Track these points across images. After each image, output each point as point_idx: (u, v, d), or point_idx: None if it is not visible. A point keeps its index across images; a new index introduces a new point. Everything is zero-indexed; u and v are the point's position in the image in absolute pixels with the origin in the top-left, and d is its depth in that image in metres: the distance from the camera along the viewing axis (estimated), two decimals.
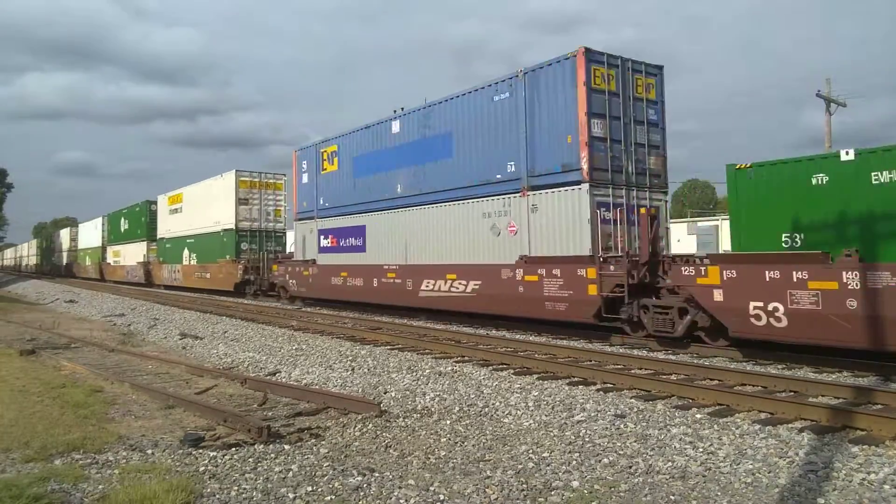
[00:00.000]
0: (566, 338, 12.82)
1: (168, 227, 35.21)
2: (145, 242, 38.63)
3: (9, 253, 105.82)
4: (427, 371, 9.62)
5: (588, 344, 12.08)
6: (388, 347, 12.04)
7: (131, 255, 41.10)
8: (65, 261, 61.26)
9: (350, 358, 11.02)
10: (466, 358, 10.67)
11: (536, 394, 7.94)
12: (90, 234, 52.35)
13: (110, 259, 46.09)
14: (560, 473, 5.17)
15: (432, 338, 13.01)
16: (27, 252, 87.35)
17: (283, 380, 9.66)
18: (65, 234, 63.95)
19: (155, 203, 38.07)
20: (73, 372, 10.00)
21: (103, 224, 48.40)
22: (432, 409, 7.48)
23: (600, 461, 5.47)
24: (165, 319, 18.78)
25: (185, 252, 32.39)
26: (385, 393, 8.43)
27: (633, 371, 9.11)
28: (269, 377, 9.74)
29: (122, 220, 43.94)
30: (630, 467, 5.31)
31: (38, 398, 7.80)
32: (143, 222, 39.37)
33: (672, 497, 4.66)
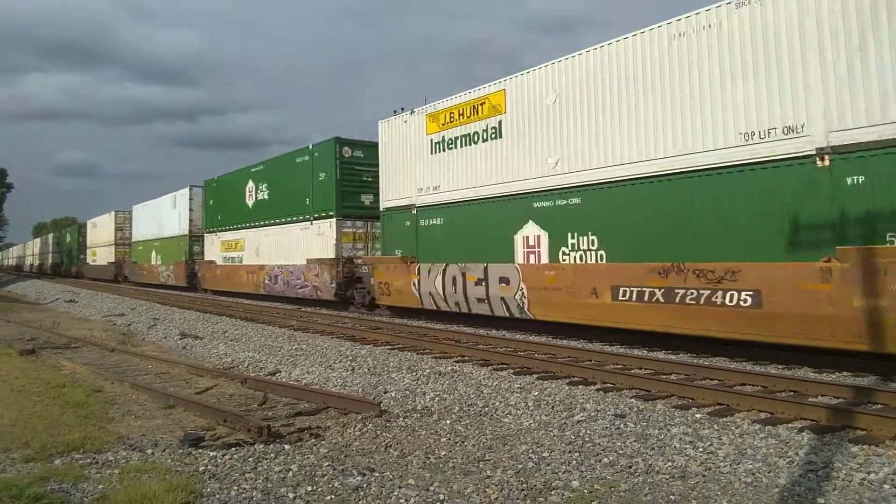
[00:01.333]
0: (566, 338, 12.81)
1: (433, 180, 15.49)
2: (332, 221, 19.52)
3: (15, 251, 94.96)
4: (427, 371, 9.62)
5: (588, 344, 12.08)
6: (388, 347, 12.04)
7: (286, 247, 21.93)
8: (106, 259, 43.85)
9: (350, 358, 11.02)
10: (466, 358, 10.67)
11: (536, 393, 7.94)
12: (161, 217, 34.40)
13: (216, 254, 27.77)
14: (560, 473, 5.17)
15: (432, 338, 13.01)
16: (31, 251, 75.23)
17: (283, 379, 9.66)
18: (104, 221, 45.58)
19: (355, 144, 19.78)
20: (73, 372, 10.00)
21: (192, 198, 31.01)
22: (432, 409, 7.48)
23: (600, 461, 5.47)
24: (165, 319, 18.77)
25: (538, 230, 12.84)
26: (385, 393, 8.43)
27: (632, 371, 9.11)
28: (269, 377, 9.74)
29: (253, 185, 24.62)
30: (630, 467, 5.31)
31: (38, 398, 7.80)
32: (319, 184, 20.15)
33: (672, 497, 4.66)
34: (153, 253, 35.50)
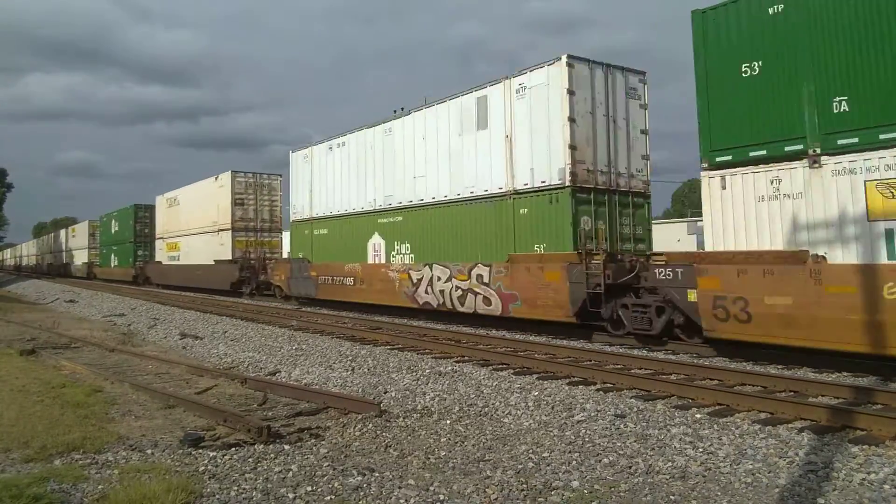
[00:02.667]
0: (565, 338, 12.82)
1: None
2: None
3: (25, 248, 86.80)
4: (427, 371, 9.62)
5: (588, 344, 12.08)
6: (388, 347, 12.04)
7: None
8: (211, 255, 27.35)
9: (350, 358, 11.02)
10: (466, 358, 10.67)
11: (536, 394, 7.94)
12: (403, 161, 16.72)
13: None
14: (560, 473, 5.17)
15: (432, 338, 13.01)
16: (45, 248, 64.64)
17: (283, 380, 9.66)
18: (198, 193, 28.95)
19: None
20: (73, 372, 10.00)
21: (574, 87, 12.20)
22: (432, 409, 7.48)
23: (600, 461, 5.47)
24: (165, 319, 18.77)
25: None
26: (385, 393, 8.43)
27: (633, 371, 9.11)
28: (269, 377, 9.74)
29: None
30: (630, 467, 5.31)
31: (38, 398, 7.80)
32: None
33: (672, 497, 4.66)
34: (375, 241, 17.85)
